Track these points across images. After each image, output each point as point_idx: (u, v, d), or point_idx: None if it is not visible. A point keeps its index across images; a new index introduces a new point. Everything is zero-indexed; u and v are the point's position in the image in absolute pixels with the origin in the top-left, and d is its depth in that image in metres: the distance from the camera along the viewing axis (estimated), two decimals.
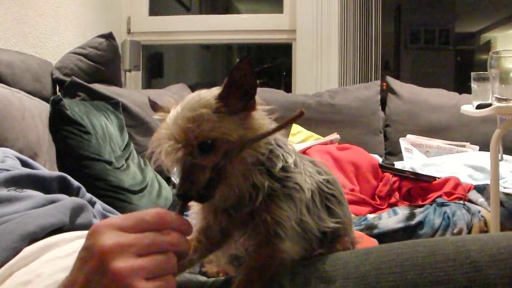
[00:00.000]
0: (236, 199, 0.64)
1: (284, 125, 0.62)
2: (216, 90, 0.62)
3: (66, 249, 0.65)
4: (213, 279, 0.78)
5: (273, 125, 0.64)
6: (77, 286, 0.48)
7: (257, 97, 0.62)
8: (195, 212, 0.70)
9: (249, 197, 0.64)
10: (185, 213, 0.71)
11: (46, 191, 0.80)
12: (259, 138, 0.62)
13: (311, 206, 0.69)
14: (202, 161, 0.58)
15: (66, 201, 0.74)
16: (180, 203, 0.59)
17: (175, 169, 0.61)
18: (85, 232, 0.72)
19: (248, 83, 0.60)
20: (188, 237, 0.69)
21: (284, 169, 0.66)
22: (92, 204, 0.85)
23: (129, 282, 0.46)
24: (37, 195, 0.75)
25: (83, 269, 0.48)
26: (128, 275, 0.46)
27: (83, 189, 0.87)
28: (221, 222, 0.67)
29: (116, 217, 0.52)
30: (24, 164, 0.88)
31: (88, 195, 0.87)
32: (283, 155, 0.66)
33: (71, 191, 0.85)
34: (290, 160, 0.67)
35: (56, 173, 0.86)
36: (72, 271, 0.50)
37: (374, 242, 1.28)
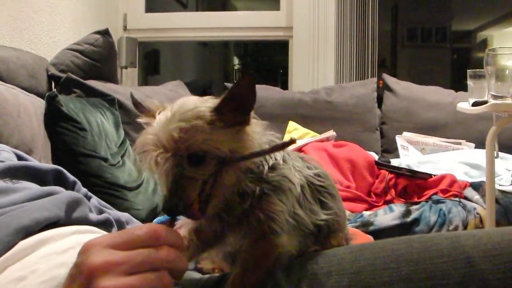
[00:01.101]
0: (224, 206, 0.63)
1: (275, 149, 0.61)
2: (210, 100, 0.60)
3: (63, 244, 0.65)
4: (208, 275, 0.78)
5: (265, 140, 0.64)
6: None
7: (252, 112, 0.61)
8: None
9: (239, 201, 0.63)
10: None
11: (42, 183, 0.80)
12: (252, 156, 0.60)
13: (301, 200, 0.68)
14: (192, 173, 0.56)
15: (61, 195, 0.74)
16: (169, 218, 0.56)
17: (161, 179, 0.58)
18: (82, 227, 0.72)
19: (248, 100, 0.59)
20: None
21: (273, 166, 0.65)
22: (88, 198, 0.84)
23: None
24: (33, 187, 0.75)
25: (71, 287, 0.47)
26: None
27: (79, 183, 0.87)
28: (213, 226, 0.67)
29: (109, 234, 0.51)
30: (20, 158, 0.88)
31: (84, 190, 0.87)
32: (269, 157, 0.66)
33: (66, 185, 0.84)
34: (279, 157, 0.66)
35: (52, 166, 0.85)
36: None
37: (369, 238, 1.28)
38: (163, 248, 0.49)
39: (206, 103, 0.60)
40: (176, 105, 0.60)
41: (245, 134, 0.60)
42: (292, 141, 0.59)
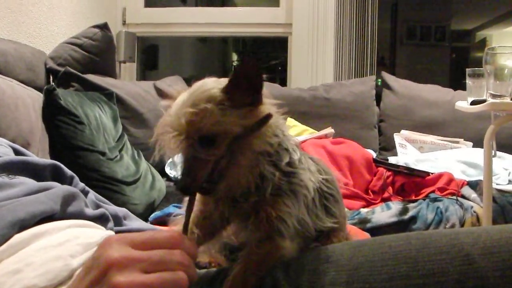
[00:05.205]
0: (243, 190, 0.64)
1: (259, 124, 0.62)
2: (224, 82, 0.62)
3: (58, 237, 0.64)
4: (205, 270, 0.77)
5: (280, 118, 0.65)
6: None
7: (265, 91, 0.62)
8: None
9: (256, 188, 0.64)
10: (180, 205, 0.71)
11: (39, 178, 0.79)
12: (250, 131, 0.61)
13: (311, 205, 0.69)
14: (203, 154, 0.59)
15: (57, 189, 0.73)
16: (188, 198, 0.60)
17: (176, 157, 0.62)
18: (77, 221, 0.72)
19: (255, 79, 0.60)
20: None
21: (290, 164, 0.66)
22: (85, 193, 0.84)
23: None
24: (29, 182, 0.75)
25: (86, 278, 0.47)
26: None
27: (76, 178, 0.86)
28: (222, 211, 0.67)
29: (129, 233, 0.52)
30: (17, 152, 0.87)
31: (81, 185, 0.86)
32: (290, 150, 0.66)
33: (64, 180, 0.84)
34: (296, 157, 0.67)
35: (49, 161, 0.85)
36: (76, 279, 0.49)
37: (366, 235, 1.28)
38: (179, 252, 0.50)
39: (220, 85, 0.61)
40: (192, 88, 0.63)
41: (258, 113, 0.62)
42: (270, 116, 0.62)
